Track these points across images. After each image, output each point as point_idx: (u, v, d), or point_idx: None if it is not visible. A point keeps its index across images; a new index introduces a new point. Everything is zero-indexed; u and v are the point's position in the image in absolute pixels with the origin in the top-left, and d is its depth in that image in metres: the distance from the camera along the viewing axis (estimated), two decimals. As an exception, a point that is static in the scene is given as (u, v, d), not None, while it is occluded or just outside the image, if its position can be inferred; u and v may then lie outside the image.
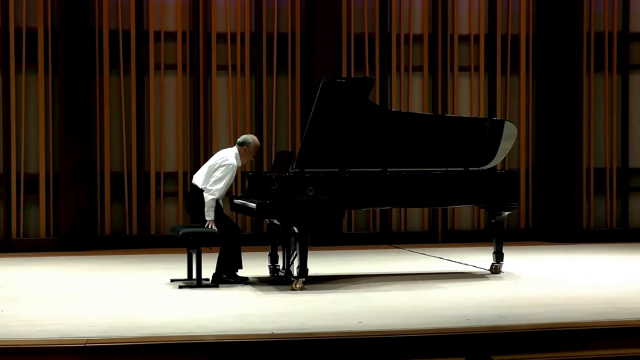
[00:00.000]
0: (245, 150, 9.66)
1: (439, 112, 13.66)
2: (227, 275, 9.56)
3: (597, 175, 14.13)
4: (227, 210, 12.25)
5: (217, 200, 9.52)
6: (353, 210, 13.01)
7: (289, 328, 7.19)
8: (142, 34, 13.18)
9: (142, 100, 13.17)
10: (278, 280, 9.79)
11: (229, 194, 12.38)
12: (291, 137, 13.50)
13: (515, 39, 14.07)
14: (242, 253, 9.61)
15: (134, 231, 13.15)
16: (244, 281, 9.60)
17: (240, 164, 9.72)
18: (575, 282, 9.88)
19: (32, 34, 12.84)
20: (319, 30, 13.35)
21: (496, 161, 10.36)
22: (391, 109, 13.12)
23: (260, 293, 9.10)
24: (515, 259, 11.44)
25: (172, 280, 9.77)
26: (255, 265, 10.77)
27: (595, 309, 8.14)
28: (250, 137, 9.79)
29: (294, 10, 13.51)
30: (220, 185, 9.47)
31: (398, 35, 13.77)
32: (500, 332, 7.18)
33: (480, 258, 11.41)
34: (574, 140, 13.81)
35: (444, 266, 11.20)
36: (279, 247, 9.95)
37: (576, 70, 13.82)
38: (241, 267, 9.63)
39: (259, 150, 10.03)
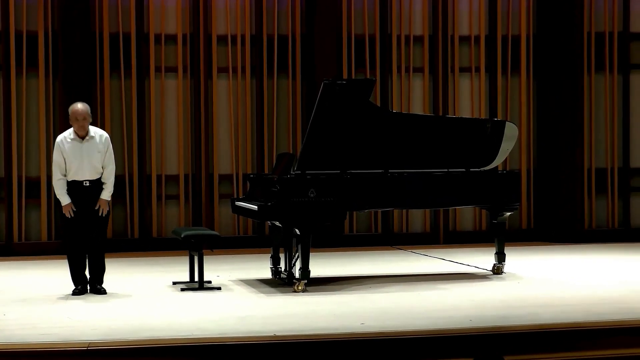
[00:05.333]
0: (70, 120, 9.18)
1: (440, 113, 13.67)
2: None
3: (599, 175, 14.13)
4: (228, 213, 12.32)
5: (61, 187, 9.05)
6: (355, 212, 13.01)
7: (291, 330, 7.19)
8: (142, 37, 13.18)
9: (143, 103, 13.18)
10: (280, 282, 9.79)
11: (230, 196, 12.42)
12: (292, 139, 13.51)
13: (516, 39, 14.08)
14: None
15: (136, 234, 13.16)
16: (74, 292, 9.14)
17: (75, 136, 9.08)
18: (577, 283, 9.87)
19: (32, 37, 12.85)
20: (319, 32, 13.35)
21: (497, 162, 10.36)
22: (392, 110, 13.13)
23: (262, 295, 9.10)
24: (517, 259, 11.44)
25: (174, 283, 9.77)
26: (257, 267, 10.79)
27: (597, 309, 8.13)
28: (70, 107, 9.18)
29: (294, 12, 13.52)
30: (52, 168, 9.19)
31: (398, 37, 13.78)
32: (503, 333, 7.17)
33: (482, 259, 11.41)
34: (575, 140, 13.81)
35: (446, 267, 11.20)
36: (281, 249, 9.94)
37: (577, 71, 13.83)
38: (75, 282, 9.16)
39: (78, 113, 9.00)
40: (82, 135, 9.10)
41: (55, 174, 9.12)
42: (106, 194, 9.14)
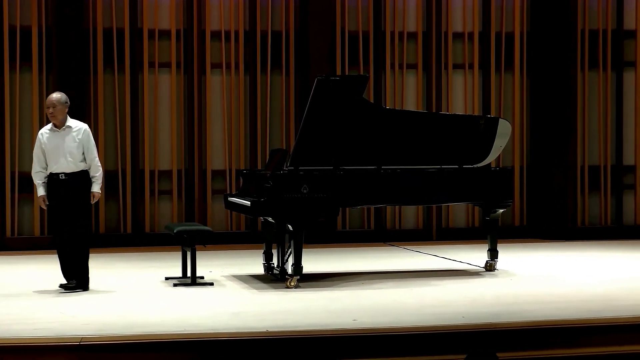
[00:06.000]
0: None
1: (434, 110, 13.68)
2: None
3: (592, 172, 14.15)
4: (221, 208, 12.31)
5: (38, 179, 9.05)
6: (347, 208, 13.00)
7: (284, 326, 7.19)
8: (136, 32, 13.17)
9: (136, 99, 13.16)
10: (272, 278, 9.79)
11: (223, 192, 12.42)
12: (285, 135, 13.50)
13: (510, 36, 14.08)
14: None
15: (129, 229, 13.14)
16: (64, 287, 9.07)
17: (52, 126, 9.05)
18: (570, 280, 9.89)
19: (26, 32, 12.83)
20: (313, 28, 13.35)
21: (490, 159, 10.36)
22: (385, 106, 13.13)
23: (254, 291, 9.10)
24: (510, 256, 11.45)
25: (166, 279, 9.76)
26: (249, 263, 10.79)
27: (590, 306, 8.15)
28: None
29: (288, 8, 13.51)
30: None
31: (392, 33, 13.78)
32: (495, 330, 7.18)
33: (474, 255, 11.42)
34: (568, 137, 13.83)
35: (439, 264, 11.21)
36: (274, 244, 9.94)
37: (570, 68, 13.84)
38: (64, 277, 9.10)
39: (48, 101, 9.04)
40: (57, 125, 9.05)
41: (34, 166, 9.10)
42: (96, 187, 9.08)
